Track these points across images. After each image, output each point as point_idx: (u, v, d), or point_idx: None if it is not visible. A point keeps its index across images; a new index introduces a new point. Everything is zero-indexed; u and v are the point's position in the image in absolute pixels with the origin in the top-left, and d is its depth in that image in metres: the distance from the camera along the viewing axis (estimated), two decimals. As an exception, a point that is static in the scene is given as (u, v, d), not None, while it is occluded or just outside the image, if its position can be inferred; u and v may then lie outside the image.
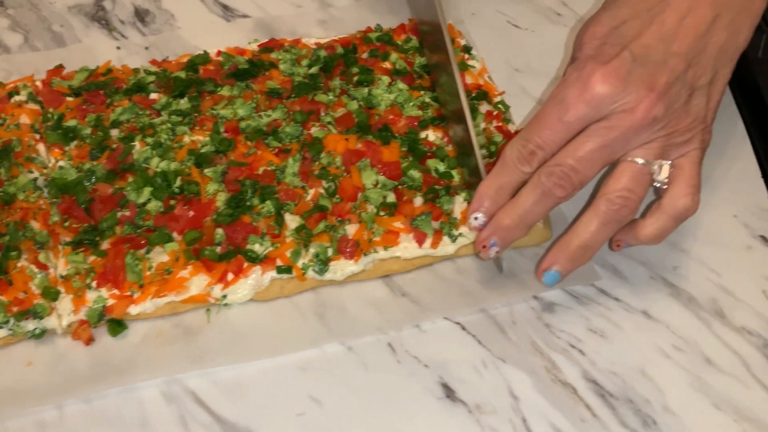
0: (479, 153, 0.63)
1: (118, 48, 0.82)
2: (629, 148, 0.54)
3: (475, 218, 0.58)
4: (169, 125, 0.70)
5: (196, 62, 0.76)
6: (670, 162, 0.54)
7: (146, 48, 0.82)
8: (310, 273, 0.62)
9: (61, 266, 0.61)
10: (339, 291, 0.62)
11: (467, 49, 0.79)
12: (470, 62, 0.77)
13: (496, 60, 0.80)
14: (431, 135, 0.70)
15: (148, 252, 0.62)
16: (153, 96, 0.73)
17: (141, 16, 0.86)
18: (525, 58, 0.80)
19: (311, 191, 0.65)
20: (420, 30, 0.79)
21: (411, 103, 0.73)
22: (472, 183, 0.65)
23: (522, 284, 0.62)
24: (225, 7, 0.86)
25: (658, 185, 0.55)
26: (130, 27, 0.85)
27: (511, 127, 0.72)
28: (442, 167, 0.68)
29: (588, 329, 0.60)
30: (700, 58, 0.54)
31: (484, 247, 0.57)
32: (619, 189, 0.54)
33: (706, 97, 0.55)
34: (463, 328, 0.60)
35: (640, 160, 0.53)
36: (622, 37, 0.54)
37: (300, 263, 0.62)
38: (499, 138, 0.70)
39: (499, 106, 0.73)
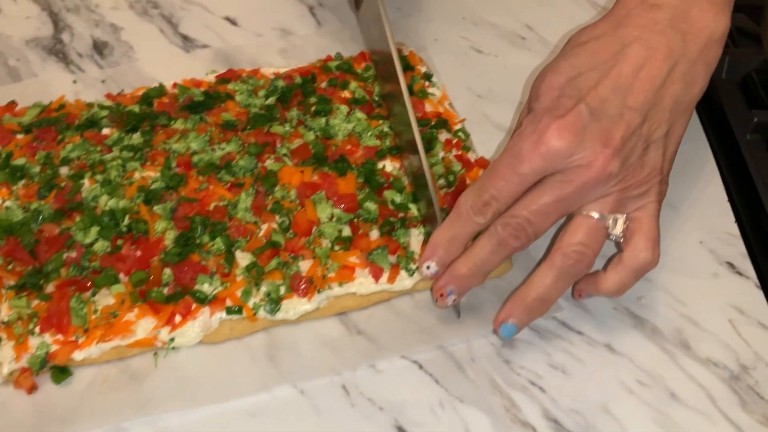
0: (432, 188, 0.62)
1: (75, 82, 0.80)
2: (584, 202, 0.53)
3: (428, 267, 0.57)
4: (119, 161, 0.68)
5: (150, 95, 0.75)
6: (625, 216, 0.54)
7: (103, 81, 0.80)
8: (261, 313, 0.60)
9: (3, 311, 0.59)
10: (292, 330, 0.60)
11: (428, 77, 0.77)
12: (430, 90, 0.76)
13: (458, 86, 0.78)
14: (389, 165, 0.68)
15: (93, 295, 0.60)
16: (105, 131, 0.71)
17: (99, 48, 0.84)
18: (488, 84, 0.79)
19: (264, 227, 0.64)
20: (373, 60, 0.77)
21: (369, 133, 0.71)
22: (427, 217, 0.63)
23: (481, 319, 0.60)
24: (185, 38, 0.85)
25: (614, 239, 0.55)
26: (88, 60, 0.83)
27: (472, 156, 0.70)
28: (398, 198, 0.66)
29: (549, 365, 0.58)
30: (655, 111, 0.53)
31: (441, 295, 0.57)
32: (574, 243, 0.53)
33: (662, 149, 0.54)
34: (420, 367, 0.58)
35: (596, 215, 0.53)
36: (578, 89, 0.53)
37: (251, 303, 0.60)
38: (458, 167, 0.68)
39: (459, 134, 0.72)
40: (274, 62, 0.81)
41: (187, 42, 0.85)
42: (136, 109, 0.73)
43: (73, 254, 0.62)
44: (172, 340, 0.59)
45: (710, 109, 0.75)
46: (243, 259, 0.62)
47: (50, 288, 0.60)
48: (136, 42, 0.85)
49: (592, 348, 0.59)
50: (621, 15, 0.57)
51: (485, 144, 0.72)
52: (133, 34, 0.85)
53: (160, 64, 0.81)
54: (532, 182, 0.53)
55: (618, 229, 0.54)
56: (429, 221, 0.63)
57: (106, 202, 0.65)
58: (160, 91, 0.75)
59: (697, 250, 0.65)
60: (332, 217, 0.64)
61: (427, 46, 0.82)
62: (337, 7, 0.87)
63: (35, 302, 0.59)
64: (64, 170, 0.68)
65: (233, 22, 0.86)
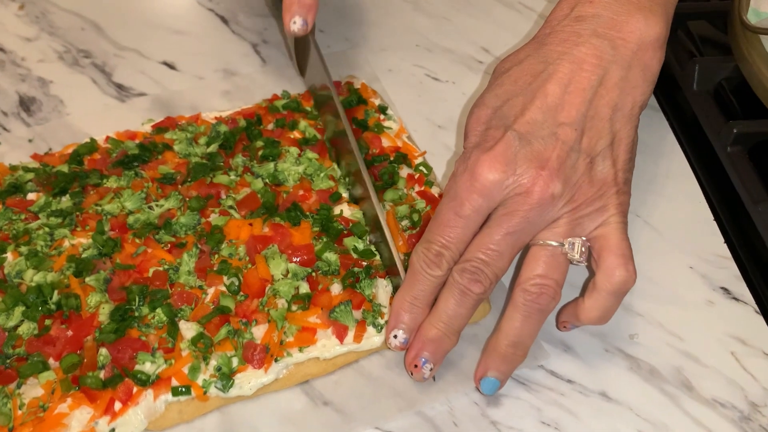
0: (391, 238, 0.57)
1: (-1, 143, 0.73)
2: (537, 230, 0.51)
3: (395, 336, 0.52)
4: (46, 229, 0.61)
5: (80, 152, 0.68)
6: (583, 237, 0.51)
7: (30, 140, 0.73)
8: (213, 390, 0.53)
9: None
10: (249, 407, 0.53)
11: (382, 109, 0.71)
12: (386, 123, 0.70)
13: (417, 118, 0.73)
14: (346, 210, 0.62)
15: (19, 386, 0.52)
16: (31, 196, 0.64)
17: (26, 105, 0.77)
18: (447, 113, 0.73)
19: (210, 291, 0.57)
20: (315, 100, 0.72)
21: (322, 174, 0.65)
22: (390, 268, 0.57)
23: (461, 374, 0.54)
24: (120, 87, 0.78)
25: (579, 263, 0.51)
26: (14, 118, 0.76)
27: (435, 191, 0.64)
28: (360, 245, 0.59)
29: (540, 422, 0.52)
30: (593, 123, 0.51)
31: (415, 366, 0.52)
32: (533, 277, 0.50)
33: (611, 160, 0.51)
34: None
35: (551, 242, 0.50)
36: (505, 118, 0.51)
37: (200, 380, 0.53)
38: (422, 205, 0.62)
39: (421, 168, 0.66)
40: (218, 106, 0.75)
41: (123, 91, 0.78)
42: (65, 168, 0.66)
43: (-6, 341, 0.54)
44: (113, 431, 0.51)
45: (685, 123, 0.71)
46: (188, 330, 0.55)
47: (-32, 383, 0.52)
48: (66, 96, 0.77)
49: (585, 398, 0.53)
50: (544, 34, 0.55)
51: (449, 177, 0.66)
52: (63, 87, 0.78)
53: (94, 118, 0.74)
54: (479, 222, 0.51)
55: (577, 253, 0.50)
56: (391, 272, 0.57)
57: (31, 278, 0.57)
58: (91, 147, 0.68)
59: (688, 276, 0.60)
60: (287, 273, 0.57)
61: (381, 77, 0.77)
62: (281, 43, 0.82)
63: (-49, 401, 0.52)
64: (-17, 244, 0.61)
65: (171, 66, 0.80)
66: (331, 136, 0.67)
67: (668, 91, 0.74)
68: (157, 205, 0.62)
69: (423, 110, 0.74)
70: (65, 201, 0.63)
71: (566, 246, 0.50)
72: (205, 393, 0.52)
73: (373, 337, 0.55)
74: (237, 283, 0.57)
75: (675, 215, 0.63)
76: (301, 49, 0.71)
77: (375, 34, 0.82)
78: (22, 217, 0.62)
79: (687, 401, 0.53)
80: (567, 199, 0.50)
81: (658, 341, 0.56)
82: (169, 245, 0.59)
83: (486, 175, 0.49)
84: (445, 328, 0.51)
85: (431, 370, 0.51)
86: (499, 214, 0.50)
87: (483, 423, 0.52)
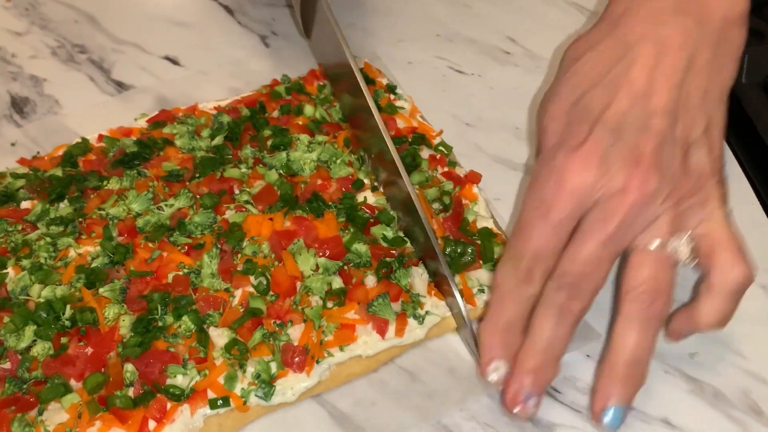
0: (425, 216, 0.53)
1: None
2: (636, 233, 0.45)
3: (495, 371, 0.47)
4: (48, 239, 0.56)
5: (73, 153, 0.63)
6: (689, 233, 0.46)
7: (13, 144, 0.67)
8: (254, 400, 0.49)
9: (-75, 455, 0.47)
10: (292, 414, 0.50)
11: (391, 89, 0.68)
12: (398, 103, 0.67)
13: (442, 115, 0.67)
14: (370, 197, 0.59)
15: (40, 413, 0.48)
16: (25, 205, 0.59)
17: (19, 106, 0.71)
18: (475, 110, 0.68)
19: (238, 293, 0.53)
20: (329, 77, 0.68)
21: (339, 160, 0.61)
22: (426, 251, 0.54)
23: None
24: (120, 85, 0.72)
25: (686, 265, 0.46)
26: (6, 121, 0.70)
27: (460, 171, 0.61)
28: (390, 233, 0.56)
29: None
30: (685, 109, 0.46)
31: (519, 403, 0.46)
32: (641, 284, 0.45)
33: (707, 148, 0.47)
34: None
35: (653, 244, 0.45)
36: (588, 111, 0.46)
37: (238, 389, 0.49)
38: (449, 186, 0.59)
39: (441, 148, 0.63)
40: (214, 96, 0.70)
41: (123, 89, 0.72)
42: (59, 172, 0.61)
43: (7, 365, 0.50)
44: (149, 452, 0.47)
45: (731, 119, 0.65)
46: (219, 337, 0.51)
47: (-17, 413, 0.48)
48: (62, 95, 0.71)
49: (647, 425, 0.49)
50: (617, 14, 0.49)
51: (486, 182, 0.61)
52: (58, 85, 0.72)
53: (92, 118, 0.68)
54: (569, 229, 0.45)
55: (685, 252, 0.46)
56: (429, 255, 0.54)
57: (39, 293, 0.53)
58: (84, 147, 0.63)
59: (750, 288, 0.54)
60: (317, 268, 0.54)
61: (401, 71, 0.71)
62: (291, 34, 0.76)
63: (-34, 435, 0.47)
64: (-21, 261, 0.56)
65: (174, 61, 0.74)
66: (349, 113, 0.64)
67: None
68: (166, 205, 0.58)
69: (448, 107, 0.68)
70: (64, 207, 0.59)
71: (672, 245, 0.45)
72: (245, 403, 0.49)
73: (415, 330, 0.52)
74: (265, 283, 0.53)
75: None
76: (311, 18, 0.67)
77: (392, 24, 0.76)
78: (19, 228, 0.58)
79: (756, 427, 0.49)
80: (665, 195, 0.45)
81: (721, 361, 0.52)
82: (186, 247, 0.55)
83: (577, 177, 0.44)
84: (546, 354, 0.45)
85: (537, 403, 0.46)
86: (594, 219, 0.44)
87: None
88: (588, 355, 0.53)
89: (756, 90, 0.66)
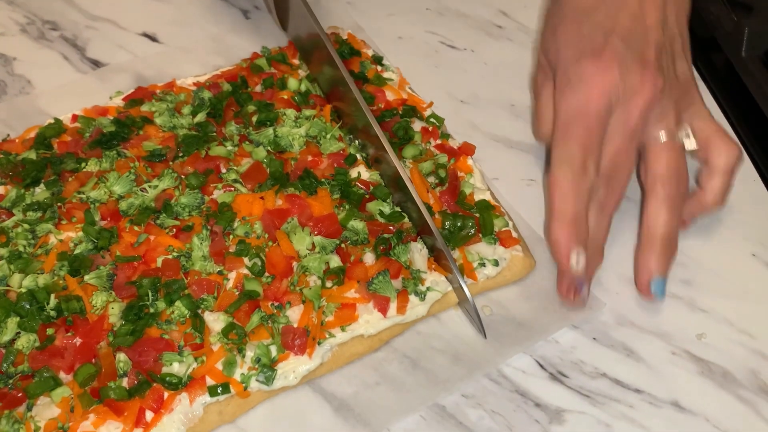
0: (415, 192, 0.52)
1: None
2: (649, 127, 0.52)
3: (577, 259, 0.49)
4: (26, 226, 0.53)
5: (46, 135, 0.60)
6: (689, 127, 0.54)
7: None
8: (254, 385, 0.47)
9: None
10: (293, 397, 0.48)
11: (378, 60, 0.66)
12: (386, 75, 0.64)
13: (436, 91, 0.65)
14: (364, 172, 0.57)
15: (30, 408, 0.46)
16: (-3, 190, 0.56)
17: None
18: (469, 86, 0.67)
19: (232, 275, 0.51)
20: (301, 53, 0.66)
21: (328, 135, 0.59)
22: (422, 227, 0.53)
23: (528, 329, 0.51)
24: (96, 63, 0.68)
25: (692, 150, 0.54)
26: None
27: (453, 143, 0.60)
28: (387, 209, 0.55)
29: None
30: (667, 27, 0.54)
31: (574, 292, 0.50)
32: (664, 168, 0.52)
33: (685, 60, 0.55)
34: None
35: (664, 136, 0.52)
36: (599, 25, 0.53)
37: (237, 375, 0.47)
38: (444, 159, 0.58)
39: (432, 120, 0.61)
40: (195, 72, 0.67)
41: (99, 68, 0.68)
42: (32, 155, 0.58)
43: (-9, 359, 0.47)
44: (148, 444, 0.45)
45: (730, 92, 0.64)
46: (215, 321, 0.49)
47: (-33, 412, 0.45)
48: (34, 75, 0.68)
49: (657, 409, 0.48)
50: None
51: (482, 162, 0.60)
52: (29, 64, 0.68)
53: (65, 98, 0.64)
54: (607, 121, 0.51)
55: (692, 141, 0.53)
56: (425, 231, 0.53)
57: (20, 283, 0.50)
58: (58, 128, 0.60)
59: (752, 265, 0.55)
60: (313, 247, 0.52)
61: (391, 46, 0.69)
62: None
63: (-50, 435, 0.45)
64: (-48, 251, 0.53)
65: (152, 37, 0.71)
66: (327, 89, 0.62)
67: (708, 56, 0.68)
68: (150, 187, 0.55)
69: (442, 83, 0.67)
70: (41, 192, 0.56)
71: (681, 135, 0.53)
72: (246, 389, 0.47)
73: (417, 307, 0.51)
74: (260, 264, 0.51)
75: (730, 197, 0.56)
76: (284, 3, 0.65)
77: (381, -1, 0.73)
78: (-7, 215, 0.54)
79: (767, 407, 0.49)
80: (668, 92, 0.52)
81: (728, 341, 0.52)
82: (174, 230, 0.53)
83: (605, 77, 0.51)
84: (592, 247, 0.50)
85: (587, 290, 0.51)
86: (618, 118, 0.51)
87: None
88: (594, 338, 0.52)
89: (756, 63, 0.65)
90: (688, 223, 0.55)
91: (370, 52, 0.67)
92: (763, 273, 0.55)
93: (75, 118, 0.61)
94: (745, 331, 0.52)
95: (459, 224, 0.53)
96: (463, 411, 0.48)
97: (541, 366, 0.50)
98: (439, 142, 0.60)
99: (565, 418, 0.48)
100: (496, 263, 0.53)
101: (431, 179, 0.56)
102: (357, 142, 0.59)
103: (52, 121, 0.61)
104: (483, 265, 0.53)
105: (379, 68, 0.65)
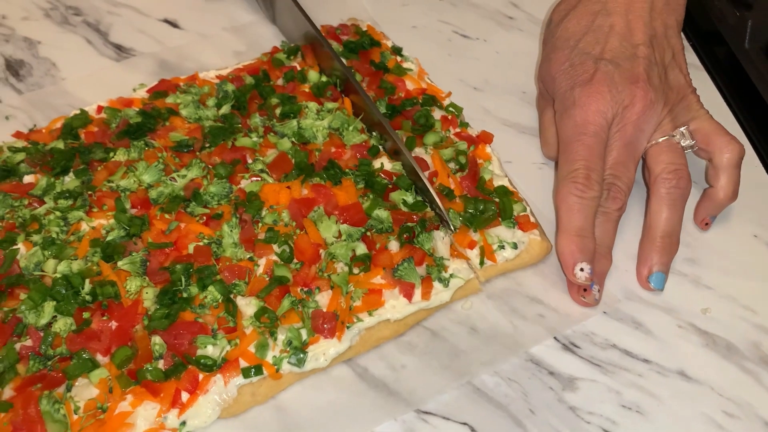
0: (429, 185, 0.55)
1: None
2: (647, 137, 0.56)
3: (581, 270, 0.52)
4: (57, 214, 0.54)
5: (73, 126, 0.61)
6: (686, 127, 0.57)
7: (7, 118, 0.65)
8: (287, 367, 0.49)
9: (-50, 436, 0.46)
10: (323, 380, 0.50)
11: (397, 51, 0.67)
12: (405, 65, 0.66)
13: (449, 79, 0.67)
14: (386, 163, 0.59)
15: (69, 389, 0.47)
16: (28, 179, 0.57)
17: (14, 69, 0.68)
18: (482, 73, 0.69)
19: (262, 261, 0.52)
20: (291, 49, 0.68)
21: (350, 127, 0.60)
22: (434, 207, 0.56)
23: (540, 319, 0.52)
24: (119, 48, 0.70)
25: (690, 149, 0.57)
26: (2, 84, 0.67)
27: (471, 132, 0.62)
28: (410, 198, 0.56)
29: (621, 406, 0.49)
30: (656, 41, 0.58)
31: (585, 290, 0.53)
32: (665, 167, 0.55)
33: (678, 69, 0.58)
34: (473, 430, 0.48)
35: (662, 139, 0.56)
36: (587, 53, 0.57)
37: (269, 357, 0.49)
38: (464, 146, 0.60)
39: (451, 109, 0.63)
40: (217, 59, 0.69)
41: (122, 52, 0.70)
42: (60, 145, 0.59)
43: (29, 342, 0.48)
44: (184, 424, 0.47)
45: (733, 83, 0.67)
46: (247, 306, 0.50)
47: (8, 393, 0.47)
48: (59, 58, 0.69)
49: (664, 378, 0.51)
50: None
51: (495, 146, 0.62)
52: (53, 48, 0.70)
53: (93, 83, 0.66)
54: (604, 142, 0.55)
55: (688, 138, 0.57)
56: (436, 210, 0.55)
57: (54, 268, 0.51)
58: (84, 118, 0.61)
59: (754, 246, 0.58)
60: (339, 234, 0.54)
61: (405, 35, 0.71)
62: None
63: (-8, 415, 0.46)
64: (-14, 237, 0.54)
65: (173, 24, 0.72)
66: (340, 83, 0.64)
67: (712, 49, 0.71)
68: (179, 176, 0.57)
69: (455, 70, 0.69)
70: (70, 181, 0.57)
71: (676, 136, 0.56)
72: (278, 370, 0.48)
73: (441, 293, 0.53)
74: (288, 251, 0.53)
75: None
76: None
77: (394, -13, 0.75)
78: (25, 202, 0.56)
79: (769, 378, 0.51)
80: (662, 103, 0.56)
81: (731, 315, 0.54)
82: (203, 217, 0.54)
83: (598, 100, 0.55)
84: (600, 251, 0.53)
85: (599, 290, 0.54)
86: (614, 132, 0.55)
87: (560, 409, 0.49)
88: (605, 312, 0.54)
89: (759, 55, 0.67)
90: (708, 223, 0.58)
91: (389, 43, 0.69)
92: (764, 253, 0.58)
93: (100, 109, 0.63)
94: (748, 306, 0.55)
95: (481, 208, 0.55)
96: (481, 378, 0.50)
97: (554, 337, 0.52)
98: (458, 130, 0.62)
99: (577, 385, 0.50)
100: (515, 246, 0.55)
101: (451, 165, 0.58)
102: (374, 133, 0.60)
103: (78, 111, 0.62)
104: (502, 247, 0.55)
105: (398, 59, 0.67)
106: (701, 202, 0.58)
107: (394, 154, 0.59)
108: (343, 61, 0.62)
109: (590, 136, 0.54)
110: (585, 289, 0.53)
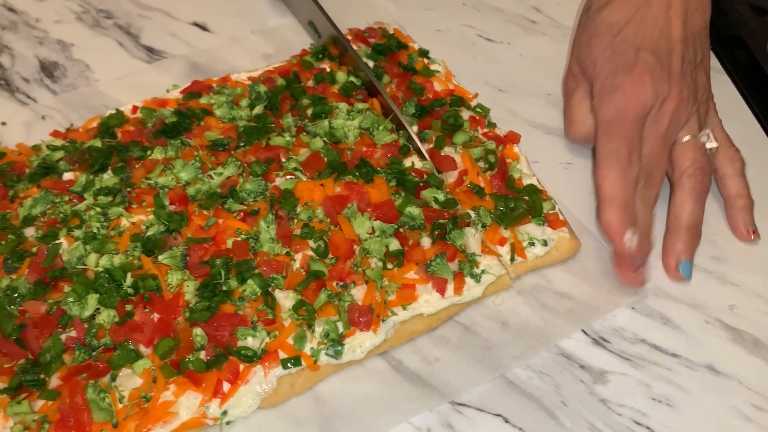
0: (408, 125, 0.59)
1: (4, 123, 0.66)
2: (678, 130, 0.59)
3: (630, 238, 0.54)
4: (98, 209, 0.56)
5: (110, 125, 0.62)
6: (710, 130, 0.60)
7: (43, 118, 0.66)
8: (324, 358, 0.50)
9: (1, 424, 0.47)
10: (358, 372, 0.51)
11: (424, 53, 0.69)
12: (433, 67, 0.68)
13: (475, 81, 0.69)
14: (417, 162, 0.60)
15: (113, 378, 0.48)
16: (67, 176, 0.59)
17: (49, 70, 0.70)
18: (506, 76, 0.70)
19: (298, 256, 0.54)
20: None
21: (381, 127, 0.62)
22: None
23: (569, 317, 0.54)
24: (150, 50, 0.72)
25: (713, 151, 0.60)
26: (37, 85, 0.69)
27: (499, 132, 0.63)
28: (441, 196, 0.57)
29: (651, 399, 0.51)
30: (688, 40, 0.60)
31: (634, 272, 0.55)
32: (690, 165, 0.58)
33: (704, 72, 0.61)
34: (506, 421, 0.49)
35: (687, 137, 0.59)
36: (629, 42, 0.59)
37: (308, 349, 0.50)
38: (492, 145, 0.61)
39: (478, 109, 0.64)
40: (254, 67, 0.70)
41: (154, 54, 0.71)
42: (98, 143, 0.61)
43: (73, 333, 0.50)
44: (225, 413, 0.48)
45: (754, 86, 0.68)
46: (285, 299, 0.52)
47: (55, 382, 0.48)
48: (92, 59, 0.71)
49: (693, 372, 0.52)
50: None
51: (522, 146, 0.63)
52: (86, 50, 0.72)
53: (127, 84, 0.68)
54: (642, 127, 0.57)
55: (713, 141, 0.59)
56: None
57: (96, 262, 0.53)
58: (120, 118, 0.63)
59: None
60: (373, 231, 0.55)
61: (430, 38, 0.73)
62: None
63: (40, 403, 0.47)
64: (29, 231, 0.55)
65: (203, 27, 0.74)
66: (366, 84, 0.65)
67: (733, 52, 0.72)
68: (215, 174, 0.58)
69: (480, 73, 0.70)
70: (109, 178, 0.58)
71: (703, 138, 0.59)
72: (316, 362, 0.50)
73: (473, 288, 0.54)
74: (324, 246, 0.54)
75: (751, 180, 0.61)
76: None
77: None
78: (66, 199, 0.57)
79: (797, 372, 0.52)
80: (692, 99, 0.58)
81: (757, 311, 0.55)
82: (241, 214, 0.56)
83: (639, 89, 0.57)
84: (641, 234, 0.54)
85: (644, 272, 0.55)
86: (652, 122, 0.57)
87: (592, 401, 0.50)
88: (633, 308, 0.55)
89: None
90: (756, 231, 0.59)
91: (416, 46, 0.70)
92: None
93: (135, 109, 0.64)
94: None
95: (512, 206, 0.56)
96: (514, 371, 0.51)
97: (584, 332, 0.54)
98: (485, 130, 0.63)
99: (608, 378, 0.51)
100: (545, 243, 0.56)
101: (481, 164, 0.60)
102: (401, 132, 0.62)
103: (114, 111, 0.64)
104: (532, 244, 0.56)
105: (425, 61, 0.68)
106: (733, 217, 0.60)
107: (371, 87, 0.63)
108: (365, 61, 0.63)
109: (631, 120, 0.56)
110: (635, 269, 0.54)
